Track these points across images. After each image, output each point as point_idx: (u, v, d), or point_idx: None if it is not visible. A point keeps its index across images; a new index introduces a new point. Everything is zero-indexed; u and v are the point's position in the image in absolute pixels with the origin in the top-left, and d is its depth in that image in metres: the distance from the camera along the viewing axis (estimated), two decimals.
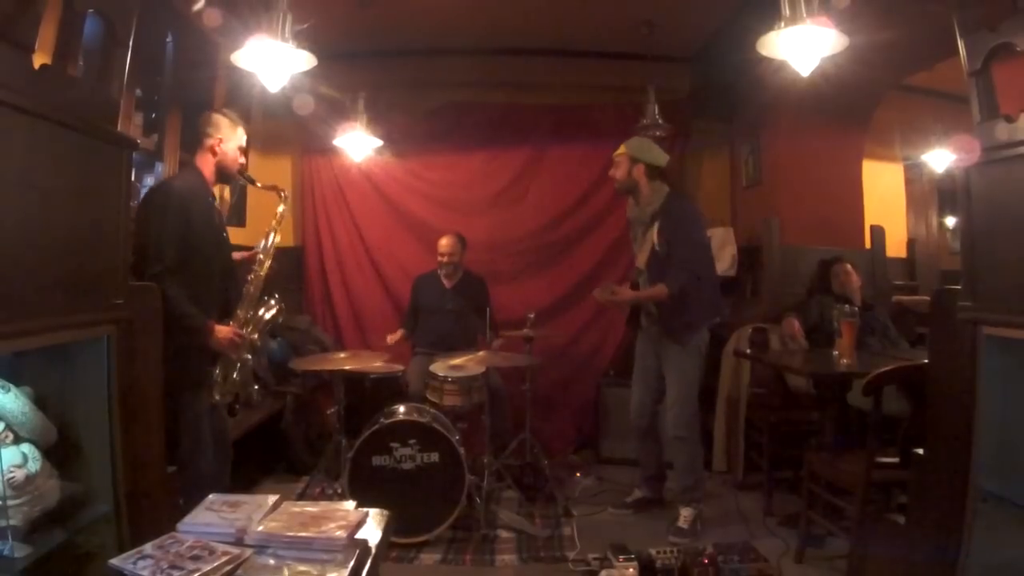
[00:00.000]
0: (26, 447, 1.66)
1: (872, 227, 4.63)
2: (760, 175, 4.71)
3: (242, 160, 2.67)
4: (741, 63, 3.29)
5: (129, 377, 1.94)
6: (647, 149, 3.33)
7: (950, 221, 6.38)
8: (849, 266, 3.83)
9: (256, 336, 2.65)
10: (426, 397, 3.55)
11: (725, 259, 4.62)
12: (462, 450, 3.11)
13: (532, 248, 4.79)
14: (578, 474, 4.13)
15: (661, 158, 3.33)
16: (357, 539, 1.48)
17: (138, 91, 3.13)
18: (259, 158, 4.50)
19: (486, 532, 3.15)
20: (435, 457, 3.09)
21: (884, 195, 5.28)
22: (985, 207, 1.90)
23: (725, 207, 5.06)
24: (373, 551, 1.50)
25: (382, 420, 3.14)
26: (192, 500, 1.70)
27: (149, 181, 3.31)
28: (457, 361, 3.46)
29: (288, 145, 4.82)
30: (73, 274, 1.72)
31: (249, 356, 2.64)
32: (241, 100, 3.78)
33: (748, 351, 3.86)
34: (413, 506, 3.01)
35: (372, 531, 1.57)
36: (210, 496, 1.66)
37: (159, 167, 3.43)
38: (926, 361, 2.23)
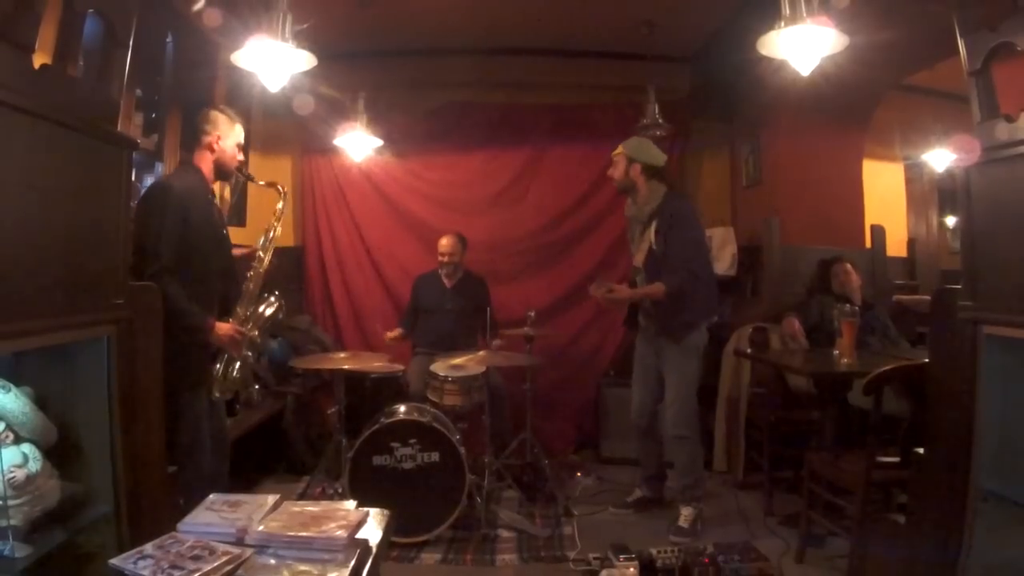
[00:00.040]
0: (27, 447, 1.66)
1: (872, 227, 4.63)
2: (760, 175, 4.70)
3: (240, 157, 2.67)
4: (741, 63, 3.29)
5: (129, 377, 1.94)
6: (644, 149, 3.33)
7: (950, 221, 6.39)
8: (849, 266, 3.83)
9: (256, 333, 2.65)
10: (427, 397, 3.55)
11: (725, 259, 4.62)
12: (463, 450, 3.11)
13: (532, 248, 4.79)
14: (579, 474, 4.13)
15: (659, 158, 3.34)
16: (358, 539, 1.48)
17: (138, 91, 3.13)
18: (259, 158, 4.50)
19: (487, 532, 3.15)
20: (436, 457, 3.09)
21: (884, 195, 5.28)
22: (985, 207, 1.90)
23: (725, 207, 5.06)
24: (374, 551, 1.50)
25: (383, 420, 3.14)
26: (191, 499, 1.70)
27: (149, 181, 3.31)
28: (457, 361, 3.46)
29: (288, 145, 4.82)
30: (73, 274, 1.72)
31: (249, 353, 2.64)
32: (241, 100, 3.77)
33: (748, 351, 3.86)
34: (414, 506, 3.01)
35: (373, 531, 1.57)
36: (210, 496, 1.66)
37: (159, 167, 3.43)
38: (926, 361, 2.23)
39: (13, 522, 1.57)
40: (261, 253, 2.69)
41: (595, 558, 2.81)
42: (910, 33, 3.10)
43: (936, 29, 2.18)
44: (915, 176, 5.93)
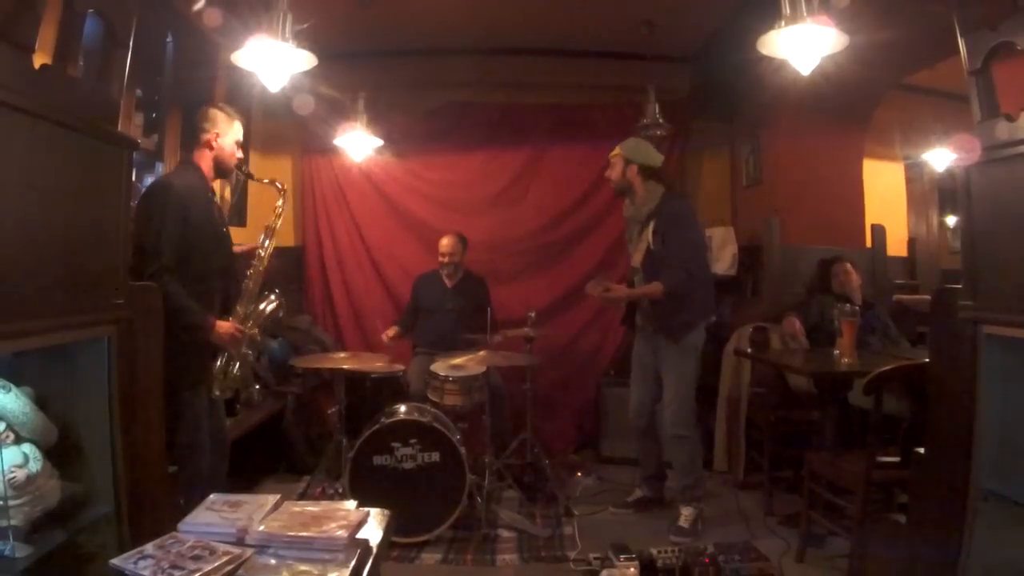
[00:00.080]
0: (27, 447, 1.66)
1: (873, 226, 4.63)
2: (760, 175, 4.70)
3: (239, 154, 2.66)
4: (741, 63, 3.29)
5: (130, 377, 1.94)
6: (641, 150, 3.34)
7: (951, 220, 6.38)
8: (849, 265, 3.83)
9: (256, 331, 2.65)
10: (427, 397, 3.55)
11: (726, 259, 4.62)
12: (463, 450, 3.11)
13: (532, 248, 4.79)
14: (579, 474, 4.13)
15: (655, 159, 3.34)
16: (358, 539, 1.48)
17: (138, 91, 3.13)
18: (259, 158, 4.50)
19: (487, 532, 3.15)
20: (436, 457, 3.09)
21: (885, 194, 5.28)
22: (985, 206, 1.90)
23: (725, 207, 5.06)
24: (374, 551, 1.50)
25: (383, 420, 3.14)
26: (191, 498, 1.70)
27: (149, 181, 3.31)
28: (458, 361, 3.46)
29: (288, 145, 4.82)
30: (73, 274, 1.72)
31: (249, 352, 2.64)
32: (241, 100, 3.77)
33: (749, 350, 3.86)
34: (414, 506, 3.01)
35: (373, 531, 1.57)
36: (211, 496, 1.66)
37: (159, 167, 3.43)
38: (927, 360, 2.23)
39: (13, 522, 1.57)
40: (261, 251, 2.69)
41: (595, 558, 2.81)
42: (910, 33, 3.10)
43: (936, 28, 2.18)
44: (915, 176, 5.93)
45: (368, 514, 1.60)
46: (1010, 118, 1.80)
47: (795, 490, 3.35)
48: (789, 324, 3.77)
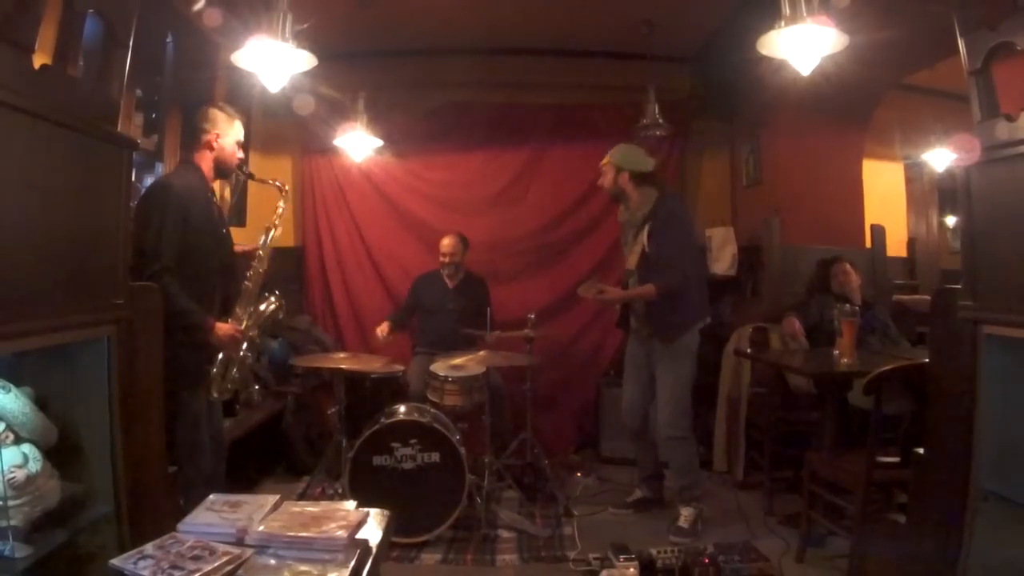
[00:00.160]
0: (27, 447, 1.66)
1: (872, 226, 4.63)
2: (760, 175, 4.70)
3: (240, 154, 2.66)
4: (741, 63, 3.29)
5: (130, 377, 1.94)
6: (630, 157, 3.35)
7: (950, 220, 6.39)
8: (848, 265, 3.83)
9: (255, 333, 2.64)
10: (427, 397, 3.55)
11: (725, 259, 4.62)
12: (463, 450, 3.11)
13: (532, 248, 4.79)
14: (579, 474, 4.13)
15: (646, 164, 3.36)
16: (358, 539, 1.48)
17: (138, 91, 3.13)
18: (259, 158, 4.50)
19: (487, 532, 3.15)
20: (436, 457, 3.09)
21: (884, 194, 5.28)
22: (985, 206, 1.90)
23: (725, 207, 5.06)
24: (374, 551, 1.51)
25: (383, 420, 3.14)
26: (190, 499, 1.70)
27: (149, 181, 3.31)
28: (458, 361, 3.46)
29: (288, 145, 4.81)
30: (73, 274, 1.72)
31: (248, 354, 2.64)
32: (241, 100, 3.77)
33: (749, 350, 3.86)
34: (414, 506, 3.01)
35: (373, 531, 1.57)
36: (211, 496, 1.66)
37: (159, 167, 3.43)
38: (926, 360, 2.23)
39: (13, 522, 1.57)
40: (262, 252, 2.69)
41: (595, 558, 2.81)
42: (910, 33, 3.10)
43: (936, 28, 2.18)
44: (915, 176, 5.93)
45: (368, 514, 1.60)
46: (1010, 118, 1.80)
47: (795, 490, 3.35)
48: (789, 324, 3.77)
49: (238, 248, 2.77)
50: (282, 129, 4.60)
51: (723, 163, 5.11)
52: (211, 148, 2.56)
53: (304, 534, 1.44)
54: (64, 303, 1.67)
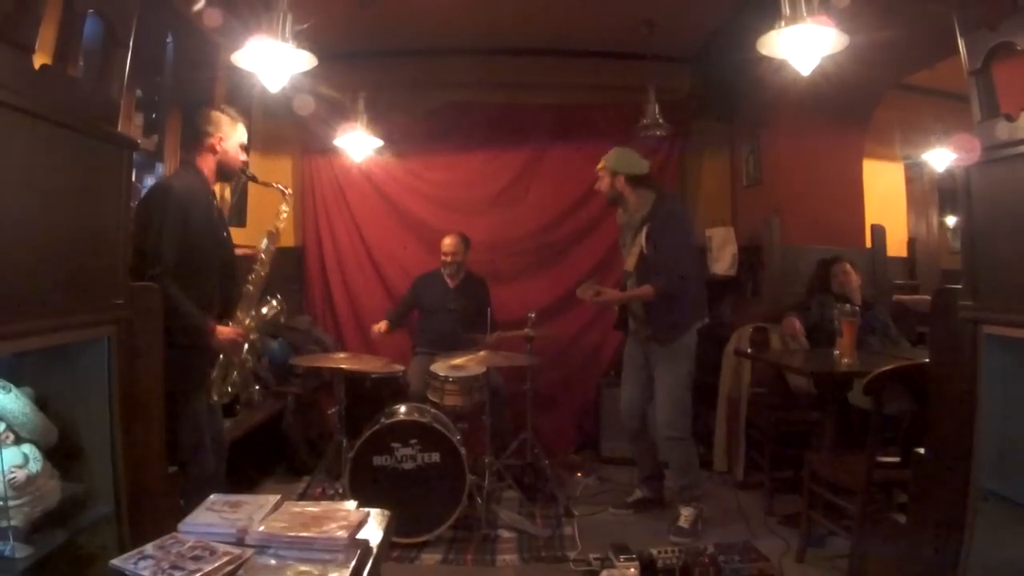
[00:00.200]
0: (27, 447, 1.66)
1: (873, 226, 4.63)
2: (760, 175, 4.70)
3: (244, 157, 2.65)
4: (741, 63, 3.30)
5: (130, 377, 1.94)
6: (625, 160, 3.36)
7: (950, 220, 6.39)
8: (848, 265, 3.83)
9: (256, 336, 2.64)
10: (427, 397, 3.55)
11: (726, 259, 4.63)
12: (463, 450, 3.11)
13: (532, 248, 4.79)
14: (579, 474, 4.13)
15: (641, 166, 3.37)
16: (358, 539, 1.48)
17: (138, 91, 3.13)
18: (259, 158, 4.49)
19: (487, 532, 3.15)
20: (436, 457, 3.09)
21: (885, 194, 5.28)
22: (985, 206, 1.90)
23: (725, 207, 5.06)
24: (374, 551, 1.51)
25: (383, 420, 3.14)
26: (192, 501, 1.70)
27: (149, 182, 3.31)
28: (458, 361, 3.46)
29: (288, 145, 4.81)
30: (73, 274, 1.72)
31: (249, 357, 2.64)
32: (241, 100, 3.76)
33: (749, 351, 3.86)
34: (414, 506, 3.01)
35: (373, 531, 1.57)
36: (211, 496, 1.66)
37: (159, 168, 3.43)
38: (927, 360, 2.22)
39: (14, 523, 1.56)
40: (263, 255, 2.68)
41: (596, 558, 2.81)
42: (910, 32, 3.10)
43: (936, 28, 2.18)
44: (915, 176, 5.94)
45: (368, 514, 1.60)
46: (1010, 118, 1.79)
47: (795, 490, 3.35)
48: (789, 324, 3.77)
49: (240, 251, 2.77)
50: (282, 129, 4.60)
51: (723, 163, 5.11)
52: (214, 151, 2.55)
53: (305, 534, 1.44)
54: (64, 303, 1.67)
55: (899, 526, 2.43)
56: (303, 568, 1.37)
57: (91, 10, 1.78)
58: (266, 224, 2.77)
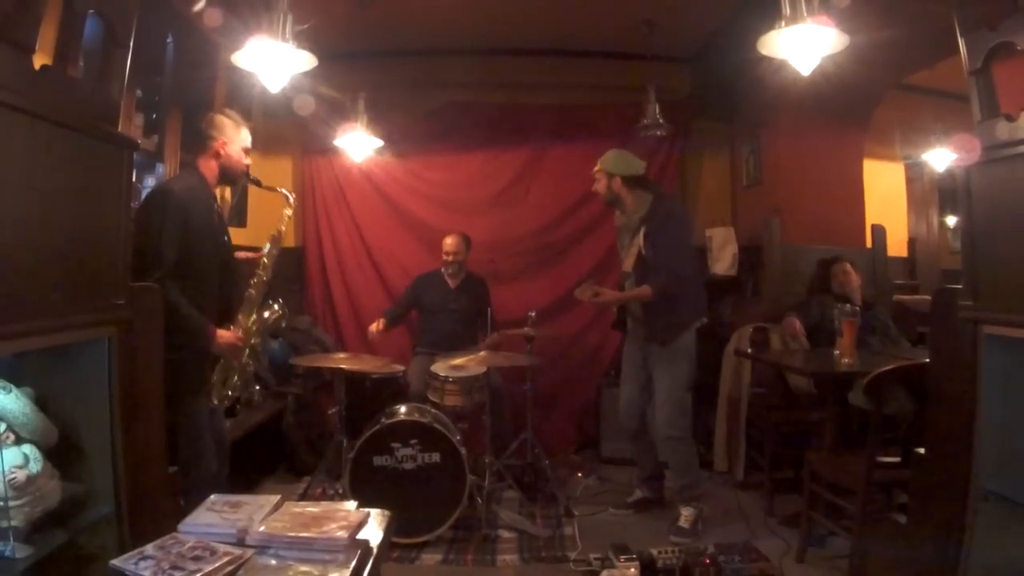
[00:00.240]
0: (27, 448, 1.66)
1: (873, 226, 4.63)
2: (761, 175, 4.70)
3: (247, 161, 2.65)
4: (741, 63, 3.30)
5: (130, 377, 1.94)
6: (622, 161, 3.37)
7: (951, 220, 6.39)
8: (848, 265, 3.83)
9: (257, 341, 2.64)
10: (427, 397, 3.55)
11: (726, 259, 4.63)
12: (463, 450, 3.11)
13: (533, 248, 4.79)
14: (579, 474, 4.13)
15: (637, 167, 3.37)
16: (358, 539, 1.48)
17: (138, 92, 3.13)
18: (260, 159, 4.47)
19: (487, 532, 3.15)
20: (436, 457, 3.09)
21: (885, 194, 5.28)
22: (986, 206, 1.90)
23: (726, 207, 5.06)
24: (374, 551, 1.51)
25: (383, 420, 3.14)
26: (193, 501, 1.70)
27: (150, 182, 3.31)
28: (458, 361, 3.46)
29: (288, 145, 4.82)
30: (74, 275, 1.72)
31: (250, 362, 2.64)
32: (241, 101, 3.77)
33: (749, 351, 3.86)
34: (414, 506, 3.01)
35: (373, 531, 1.57)
36: (211, 496, 1.66)
37: (160, 168, 3.43)
38: (927, 360, 2.22)
39: (14, 523, 1.57)
40: (266, 259, 2.68)
41: (596, 558, 2.81)
42: (910, 32, 3.10)
43: (936, 28, 2.18)
44: (915, 176, 5.93)
45: (368, 515, 1.60)
46: (1010, 118, 1.79)
47: (795, 490, 3.35)
48: (789, 324, 3.77)
49: (242, 255, 2.76)
50: (282, 129, 4.60)
51: (723, 163, 5.11)
52: (218, 156, 2.54)
53: (305, 534, 1.44)
54: (64, 303, 1.67)
55: (899, 526, 2.43)
56: (303, 568, 1.37)
57: (91, 10, 1.78)
58: (266, 224, 2.76)
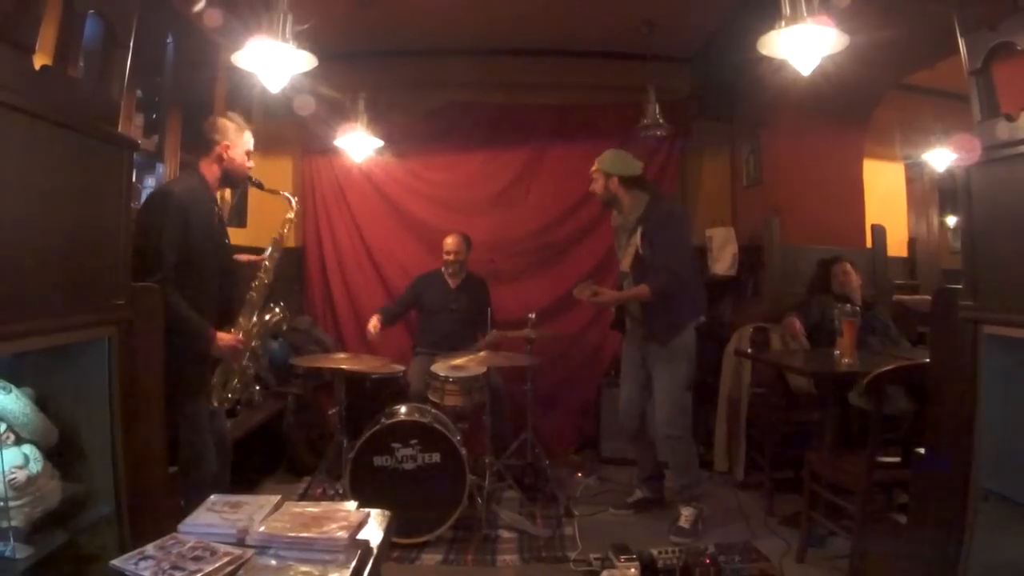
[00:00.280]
0: (27, 448, 1.66)
1: (873, 226, 4.63)
2: (761, 175, 4.70)
3: (251, 164, 2.65)
4: (741, 63, 3.30)
5: (130, 378, 1.94)
6: (619, 162, 3.37)
7: (951, 220, 6.38)
8: (848, 265, 3.83)
9: (258, 344, 2.64)
10: (427, 397, 3.55)
11: (726, 259, 4.63)
12: (463, 450, 3.11)
13: (533, 248, 4.79)
14: (579, 474, 4.13)
15: (634, 168, 3.38)
16: (359, 540, 1.48)
17: (138, 92, 3.13)
18: (260, 159, 4.41)
19: (487, 532, 3.15)
20: (436, 457, 3.09)
21: (885, 194, 5.28)
22: (986, 206, 1.90)
23: (726, 207, 5.06)
24: (375, 551, 1.51)
25: (383, 420, 3.14)
26: (193, 502, 1.70)
27: (150, 182, 3.32)
28: (458, 361, 3.46)
29: (289, 146, 4.82)
30: (74, 275, 1.72)
31: (250, 364, 2.64)
32: (242, 101, 3.77)
33: (749, 351, 3.86)
34: (414, 506, 3.01)
35: (373, 531, 1.57)
36: (211, 497, 1.66)
37: (160, 168, 3.44)
38: (927, 360, 2.22)
39: (14, 523, 1.57)
40: (268, 262, 2.68)
41: (596, 558, 2.81)
42: (910, 32, 3.10)
43: (936, 28, 2.18)
44: (915, 176, 5.93)
45: (368, 515, 1.60)
46: (1010, 118, 1.80)
47: (795, 490, 3.35)
48: (789, 324, 3.77)
49: (243, 258, 2.76)
50: (282, 130, 4.60)
51: (723, 163, 5.11)
52: (221, 159, 2.54)
53: (305, 535, 1.44)
54: (65, 304, 1.68)
55: (899, 526, 2.43)
56: (303, 568, 1.37)
57: (91, 10, 1.78)
58: (267, 224, 2.77)
